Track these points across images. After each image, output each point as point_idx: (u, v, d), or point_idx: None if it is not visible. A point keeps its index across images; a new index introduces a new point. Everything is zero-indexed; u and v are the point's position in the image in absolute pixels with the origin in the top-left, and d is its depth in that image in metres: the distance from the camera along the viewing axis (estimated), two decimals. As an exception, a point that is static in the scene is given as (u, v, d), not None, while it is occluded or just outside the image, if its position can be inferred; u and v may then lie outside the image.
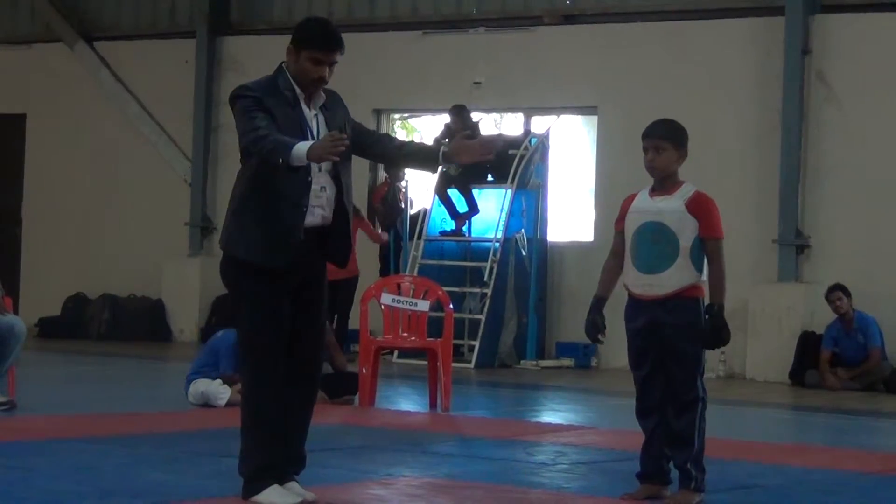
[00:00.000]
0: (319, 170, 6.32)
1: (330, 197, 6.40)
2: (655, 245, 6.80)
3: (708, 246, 6.81)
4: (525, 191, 16.56)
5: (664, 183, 6.88)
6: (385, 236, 16.88)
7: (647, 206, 6.87)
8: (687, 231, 6.78)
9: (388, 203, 17.34)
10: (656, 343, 6.81)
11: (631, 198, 7.01)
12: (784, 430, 11.76)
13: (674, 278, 6.77)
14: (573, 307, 16.67)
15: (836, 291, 14.63)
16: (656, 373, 6.84)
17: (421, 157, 6.67)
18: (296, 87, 6.36)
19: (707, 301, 6.83)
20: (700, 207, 6.81)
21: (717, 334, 6.75)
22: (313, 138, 6.29)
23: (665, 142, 6.86)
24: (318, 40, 6.36)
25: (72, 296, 19.29)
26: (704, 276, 6.82)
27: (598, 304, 6.96)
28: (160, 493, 6.70)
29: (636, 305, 6.87)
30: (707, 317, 6.77)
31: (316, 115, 6.43)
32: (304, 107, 6.40)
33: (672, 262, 6.77)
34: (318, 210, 6.36)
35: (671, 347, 6.79)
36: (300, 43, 6.36)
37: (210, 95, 19.18)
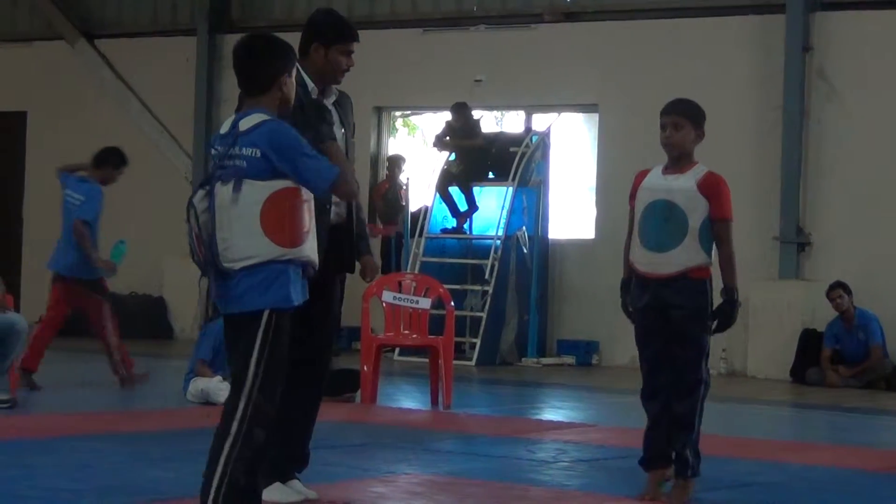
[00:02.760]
0: None
1: None
2: (665, 223, 6.78)
3: (717, 227, 6.81)
4: (526, 188, 16.54)
5: (678, 161, 6.87)
6: (389, 229, 16.99)
7: (659, 184, 6.85)
8: (697, 211, 6.76)
9: (389, 201, 17.36)
10: (663, 323, 6.79)
11: (643, 173, 6.98)
12: (784, 428, 11.77)
13: (681, 258, 6.75)
14: (574, 305, 16.67)
15: (837, 289, 14.62)
16: (663, 353, 6.82)
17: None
18: (311, 82, 6.36)
19: (715, 284, 6.81)
20: (711, 188, 6.80)
21: (731, 316, 6.75)
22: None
23: (684, 119, 6.86)
24: (346, 32, 6.44)
25: (73, 293, 19.25)
26: (713, 259, 6.82)
27: (627, 285, 6.97)
28: (160, 491, 6.71)
29: (642, 284, 6.86)
30: (724, 299, 6.76)
31: (331, 109, 6.44)
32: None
33: (680, 241, 6.76)
34: (333, 207, 6.37)
35: (678, 330, 6.77)
36: (329, 39, 6.37)
37: (211, 93, 19.16)
